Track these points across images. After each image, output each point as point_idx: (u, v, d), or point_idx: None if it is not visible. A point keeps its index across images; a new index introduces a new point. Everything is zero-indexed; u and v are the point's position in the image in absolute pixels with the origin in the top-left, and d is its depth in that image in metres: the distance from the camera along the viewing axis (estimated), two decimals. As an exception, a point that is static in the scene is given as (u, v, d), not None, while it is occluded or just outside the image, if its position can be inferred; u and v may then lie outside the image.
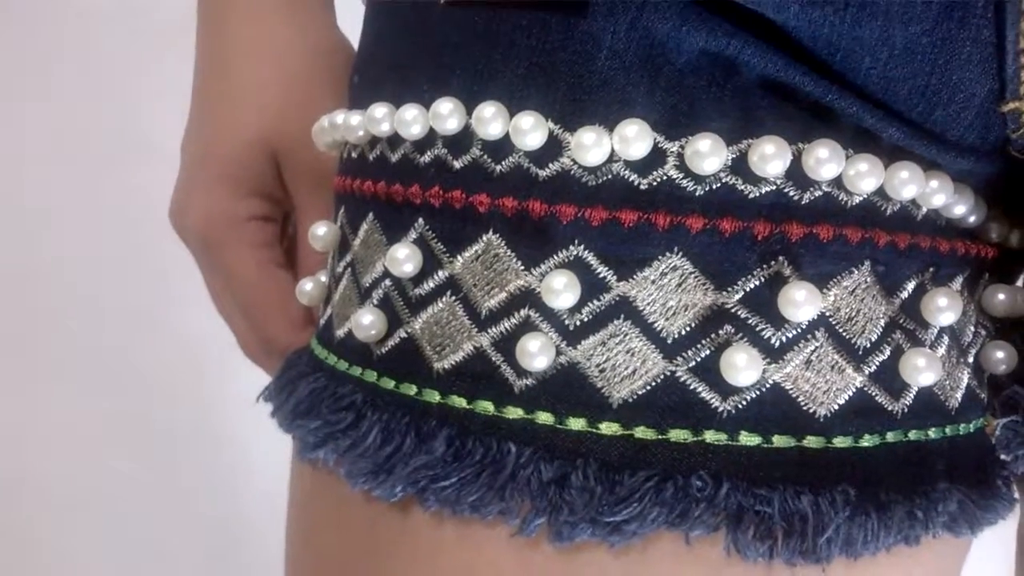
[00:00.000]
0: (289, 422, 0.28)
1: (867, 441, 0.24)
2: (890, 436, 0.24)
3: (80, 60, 0.86)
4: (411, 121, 0.25)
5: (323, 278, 0.32)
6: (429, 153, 0.26)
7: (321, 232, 0.31)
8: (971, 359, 0.27)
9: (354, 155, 0.29)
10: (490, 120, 0.24)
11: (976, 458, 0.26)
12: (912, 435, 0.24)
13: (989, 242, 0.28)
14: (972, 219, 0.26)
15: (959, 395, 0.26)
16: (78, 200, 0.89)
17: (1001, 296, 0.28)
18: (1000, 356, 0.27)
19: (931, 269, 0.25)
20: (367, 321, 0.26)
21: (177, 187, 0.37)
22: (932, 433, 0.25)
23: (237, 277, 0.35)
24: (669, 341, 0.23)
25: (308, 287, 0.32)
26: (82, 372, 0.93)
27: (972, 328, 0.27)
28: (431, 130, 0.25)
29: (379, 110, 0.27)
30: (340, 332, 0.28)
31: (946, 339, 0.25)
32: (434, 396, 0.25)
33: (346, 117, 0.28)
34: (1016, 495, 0.27)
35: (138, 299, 0.89)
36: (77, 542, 0.95)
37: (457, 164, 0.25)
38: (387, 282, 0.26)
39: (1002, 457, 0.27)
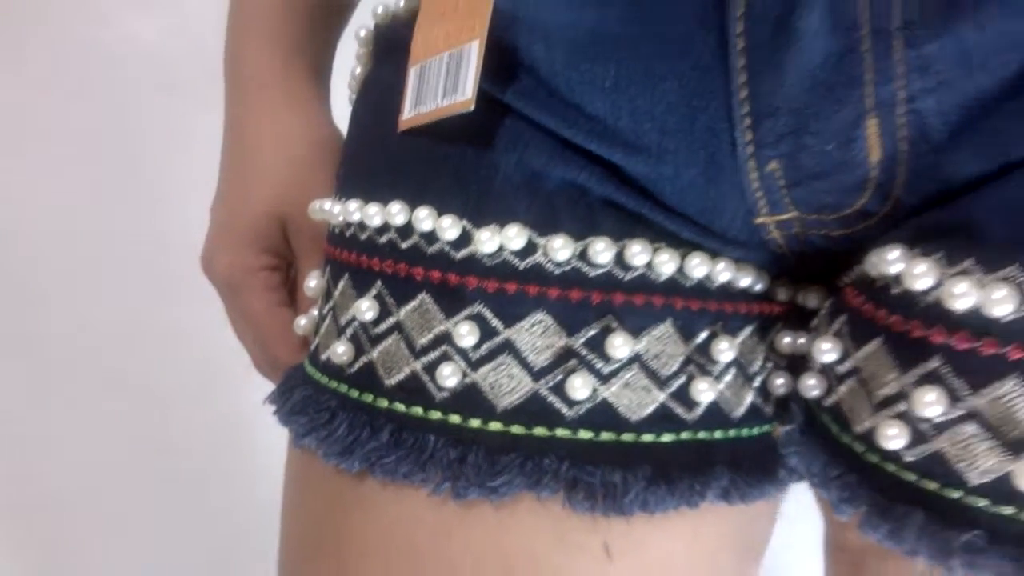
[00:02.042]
0: (286, 418, 0.40)
1: (666, 437, 0.36)
2: (684, 435, 0.36)
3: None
4: (373, 215, 0.38)
5: (314, 311, 0.44)
6: (385, 236, 0.38)
7: (312, 284, 0.43)
8: (756, 384, 0.38)
9: (336, 231, 0.41)
10: (424, 219, 0.36)
11: (757, 453, 0.38)
12: (700, 435, 0.36)
13: (778, 301, 0.40)
14: (758, 287, 0.38)
15: (742, 409, 0.38)
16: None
17: (786, 340, 0.39)
18: (779, 382, 0.39)
19: (719, 323, 0.37)
20: (341, 350, 0.38)
21: (207, 242, 0.49)
22: (717, 434, 0.37)
23: (251, 313, 0.47)
24: (535, 369, 0.35)
25: (303, 322, 0.44)
26: (94, 377, 0.99)
27: (760, 362, 0.39)
28: (386, 222, 0.37)
29: (352, 205, 0.39)
30: (323, 356, 0.40)
31: (732, 370, 0.37)
32: (383, 403, 0.37)
33: (331, 206, 0.40)
34: (786, 479, 0.39)
35: (163, 312, 0.97)
36: (82, 541, 1.01)
37: (403, 245, 0.37)
38: (356, 323, 0.38)
39: (781, 453, 0.39)
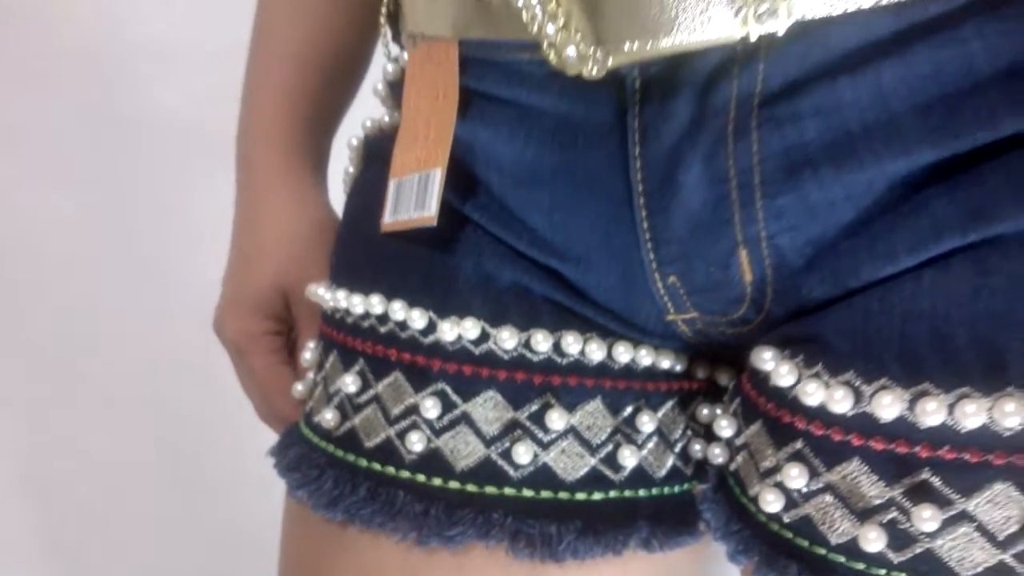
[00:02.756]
0: (283, 472, 0.47)
1: (596, 496, 0.43)
2: (612, 493, 0.43)
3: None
4: (357, 304, 0.45)
5: (310, 375, 0.51)
6: (367, 322, 0.45)
7: (307, 355, 0.51)
8: (677, 449, 0.46)
9: (328, 312, 0.48)
10: (398, 311, 0.43)
11: (677, 508, 0.45)
12: (626, 493, 0.43)
13: (697, 379, 0.47)
14: (677, 368, 0.45)
15: (664, 471, 0.45)
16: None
17: (704, 411, 0.46)
18: (697, 448, 0.46)
19: (643, 400, 0.44)
20: (329, 416, 0.45)
21: (217, 309, 0.56)
22: (641, 493, 0.44)
23: (256, 372, 0.54)
24: (487, 437, 0.42)
25: (299, 387, 0.52)
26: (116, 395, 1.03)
27: (680, 430, 0.46)
28: (367, 311, 0.45)
29: (341, 293, 0.46)
30: (315, 419, 0.47)
31: (655, 438, 0.44)
32: (363, 463, 0.44)
33: (324, 292, 0.48)
34: (702, 531, 0.46)
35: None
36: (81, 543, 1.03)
37: (382, 330, 0.44)
38: (342, 393, 0.46)
39: (700, 508, 0.46)
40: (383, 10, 0.46)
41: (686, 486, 0.46)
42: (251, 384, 0.56)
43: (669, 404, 0.45)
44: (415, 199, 0.43)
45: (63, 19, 0.98)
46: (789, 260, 0.37)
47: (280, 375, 0.54)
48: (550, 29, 0.35)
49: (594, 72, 0.35)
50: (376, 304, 0.44)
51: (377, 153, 0.50)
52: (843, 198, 0.35)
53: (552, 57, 0.35)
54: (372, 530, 0.43)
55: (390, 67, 0.48)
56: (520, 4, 0.35)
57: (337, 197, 0.57)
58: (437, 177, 0.41)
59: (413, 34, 0.44)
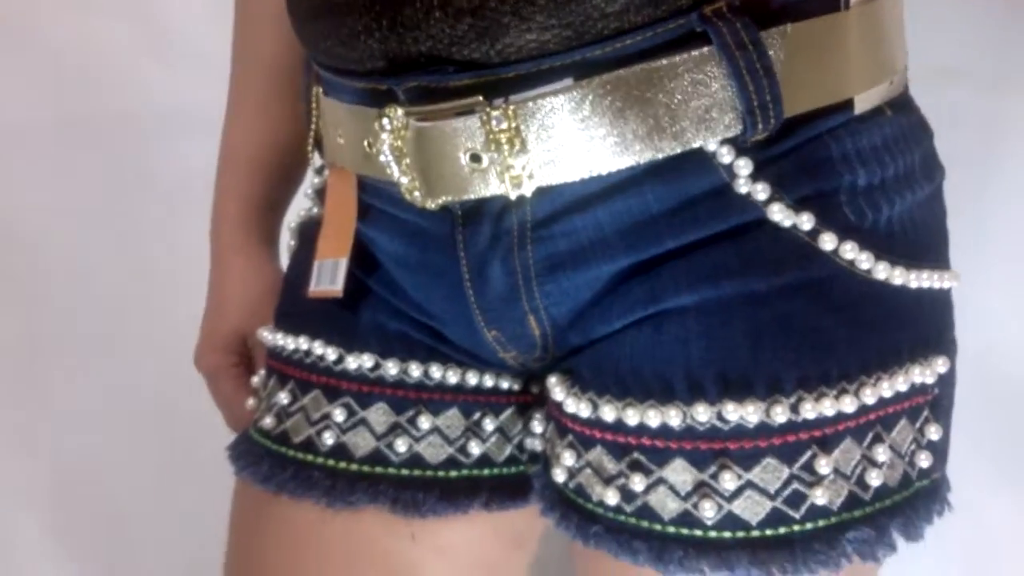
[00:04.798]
0: (234, 460, 0.67)
1: (452, 474, 0.64)
2: (463, 472, 0.64)
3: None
4: (290, 343, 0.65)
5: (261, 393, 0.72)
6: (297, 355, 0.65)
7: (256, 379, 0.71)
8: (514, 442, 0.66)
9: (270, 348, 0.68)
10: (317, 348, 0.63)
11: (512, 483, 0.66)
12: (474, 472, 0.64)
13: (531, 393, 0.67)
14: (514, 387, 0.66)
15: (503, 457, 0.66)
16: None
17: (537, 416, 0.67)
18: (528, 442, 0.67)
19: (487, 408, 0.65)
20: (269, 421, 0.66)
21: (197, 347, 0.77)
22: (485, 472, 0.65)
23: (225, 393, 0.75)
24: (378, 434, 0.63)
25: (251, 402, 0.72)
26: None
27: (518, 429, 0.66)
28: (296, 347, 0.65)
29: (279, 335, 0.66)
30: (259, 424, 0.67)
31: (496, 435, 0.65)
32: (291, 453, 0.64)
33: (267, 334, 0.68)
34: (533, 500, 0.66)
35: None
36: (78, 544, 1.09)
37: (307, 361, 0.65)
38: (278, 405, 0.66)
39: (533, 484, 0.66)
40: (310, 141, 0.67)
41: (521, 468, 0.67)
42: (221, 401, 0.76)
43: (508, 411, 0.66)
44: (329, 277, 0.64)
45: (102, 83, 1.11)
46: (559, 322, 0.57)
47: (241, 394, 0.75)
48: (404, 181, 0.55)
49: (430, 206, 0.54)
50: (303, 343, 0.65)
51: (307, 235, 0.70)
52: (582, 285, 0.53)
53: (406, 196, 0.55)
54: (296, 498, 0.63)
55: (316, 178, 0.69)
56: (385, 167, 0.54)
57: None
58: (343, 265, 0.62)
59: (329, 161, 0.65)
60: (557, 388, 0.58)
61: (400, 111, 0.52)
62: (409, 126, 0.52)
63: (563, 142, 0.49)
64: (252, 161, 0.76)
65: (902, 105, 0.55)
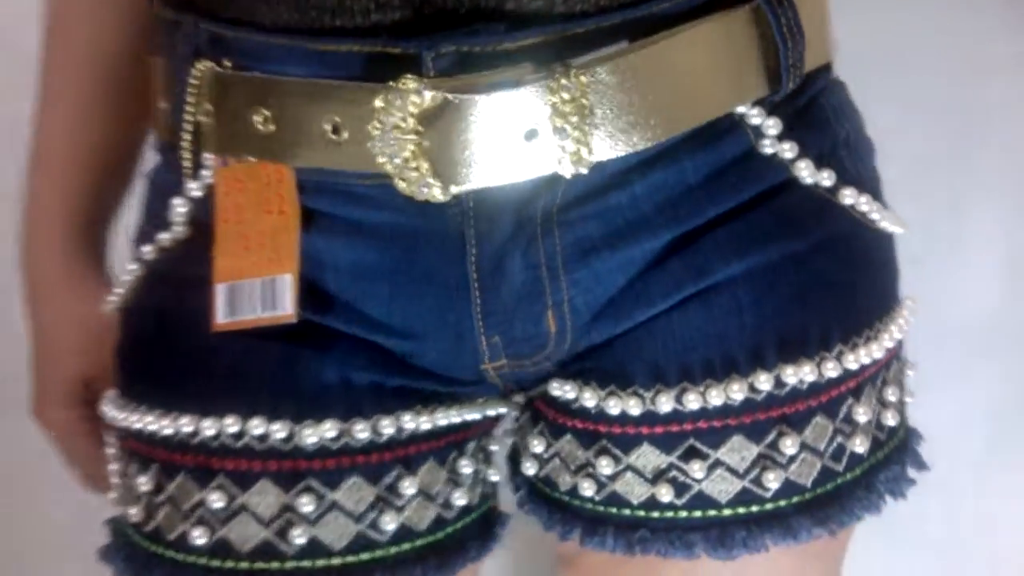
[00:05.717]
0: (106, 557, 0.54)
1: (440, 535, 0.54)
2: (450, 530, 0.55)
3: None
4: (206, 425, 0.50)
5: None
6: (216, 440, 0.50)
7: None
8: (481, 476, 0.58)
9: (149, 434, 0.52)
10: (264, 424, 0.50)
11: (486, 521, 0.58)
12: (460, 525, 0.56)
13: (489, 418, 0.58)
14: (475, 416, 0.56)
15: (477, 499, 0.57)
16: None
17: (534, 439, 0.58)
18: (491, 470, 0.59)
19: (455, 453, 0.55)
20: (197, 533, 0.50)
21: (33, 399, 0.62)
22: (467, 520, 0.56)
23: (76, 453, 0.62)
24: (265, 521, 0.50)
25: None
26: None
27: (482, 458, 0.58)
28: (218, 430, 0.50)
29: (183, 419, 0.50)
30: (186, 538, 0.51)
31: (473, 475, 0.56)
32: (164, 552, 0.51)
33: (146, 421, 0.51)
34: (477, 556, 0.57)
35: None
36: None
37: (235, 445, 0.50)
38: (204, 509, 0.50)
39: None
40: (186, 136, 0.51)
41: (488, 504, 0.59)
42: (76, 459, 0.62)
43: (472, 446, 0.57)
44: (260, 301, 0.49)
45: None
46: (581, 315, 0.50)
47: (99, 449, 0.60)
48: (404, 171, 0.44)
49: (440, 199, 0.45)
50: (231, 424, 0.50)
51: (163, 272, 0.54)
52: (615, 269, 0.49)
53: (404, 189, 0.45)
54: None
55: (193, 184, 0.52)
56: (374, 155, 0.44)
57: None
58: (287, 281, 0.49)
59: (223, 154, 0.50)
60: (586, 394, 0.51)
61: (414, 83, 0.42)
62: (430, 102, 0.43)
63: (621, 111, 0.45)
64: (73, 164, 0.60)
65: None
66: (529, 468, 0.56)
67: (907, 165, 0.86)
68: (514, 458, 0.59)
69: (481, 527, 0.57)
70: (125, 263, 0.57)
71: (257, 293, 0.49)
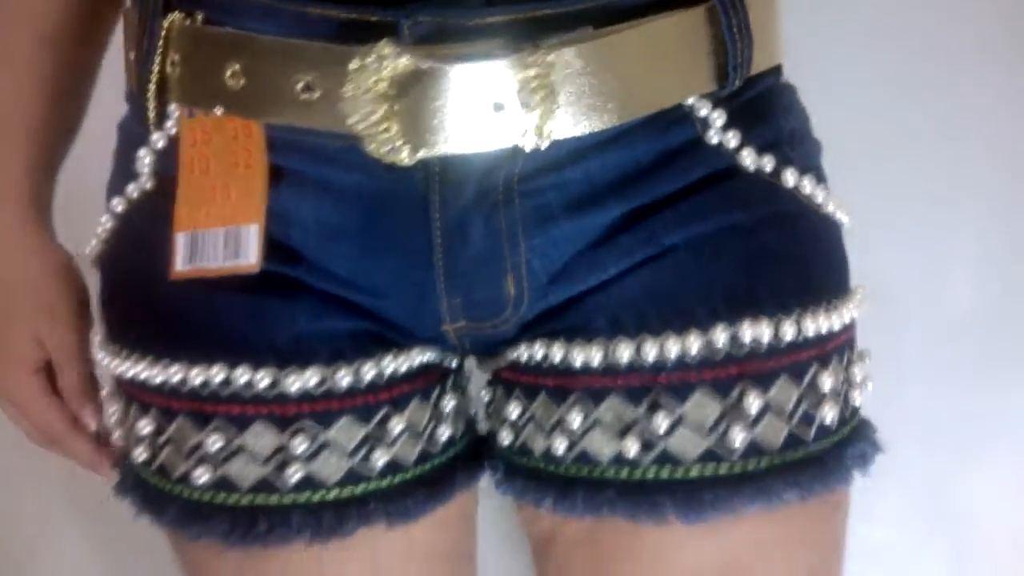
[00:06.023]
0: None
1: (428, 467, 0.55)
2: (436, 462, 0.57)
3: None
4: (192, 373, 0.52)
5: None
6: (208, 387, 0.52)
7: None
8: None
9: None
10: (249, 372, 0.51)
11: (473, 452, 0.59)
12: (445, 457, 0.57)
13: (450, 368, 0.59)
14: (448, 361, 0.58)
15: (461, 432, 0.59)
16: None
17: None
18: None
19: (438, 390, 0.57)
20: (205, 476, 0.53)
21: None
22: (452, 453, 0.58)
23: (33, 413, 0.61)
24: (260, 459, 0.52)
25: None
26: None
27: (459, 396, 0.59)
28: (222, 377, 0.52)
29: (174, 367, 0.52)
30: (201, 479, 0.53)
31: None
32: (172, 489, 0.52)
33: (152, 372, 0.53)
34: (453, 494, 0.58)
35: None
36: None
37: (224, 392, 0.51)
38: (210, 452, 0.52)
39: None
40: (151, 86, 0.51)
41: (452, 452, 0.59)
42: (23, 421, 0.62)
43: (451, 382, 0.59)
44: (223, 250, 0.49)
45: None
46: (538, 278, 0.51)
47: (52, 408, 0.61)
48: (375, 132, 0.45)
49: (406, 162, 0.46)
50: (217, 371, 0.52)
51: (133, 224, 0.55)
52: (572, 236, 0.50)
53: (373, 150, 0.45)
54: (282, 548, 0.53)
55: (157, 136, 0.52)
56: (346, 115, 0.45)
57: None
58: (252, 231, 0.49)
59: (189, 105, 0.50)
60: (554, 349, 0.52)
61: (390, 48, 0.44)
62: (404, 68, 0.44)
63: (582, 94, 0.47)
64: (25, 118, 0.60)
65: None
66: (505, 439, 0.56)
67: (891, 158, 0.87)
68: (488, 447, 0.59)
69: (466, 457, 0.59)
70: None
71: (220, 242, 0.49)
